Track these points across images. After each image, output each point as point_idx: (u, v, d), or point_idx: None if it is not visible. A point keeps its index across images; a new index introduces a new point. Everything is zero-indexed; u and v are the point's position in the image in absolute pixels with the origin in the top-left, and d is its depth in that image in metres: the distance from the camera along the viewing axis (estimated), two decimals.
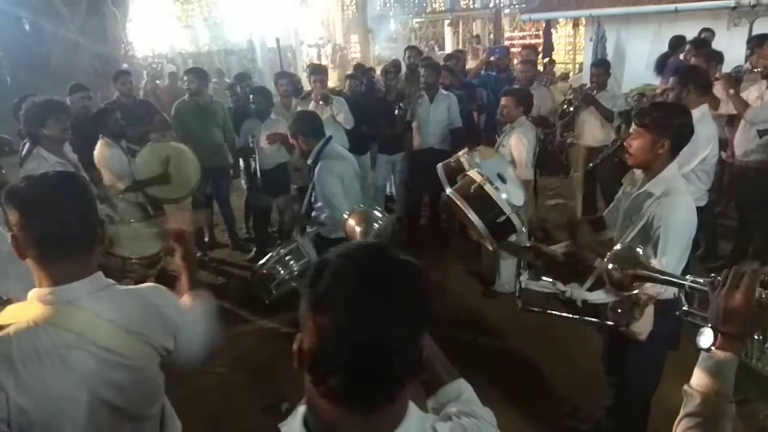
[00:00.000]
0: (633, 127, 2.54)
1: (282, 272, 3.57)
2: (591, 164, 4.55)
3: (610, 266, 1.71)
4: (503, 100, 4.71)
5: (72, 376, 1.45)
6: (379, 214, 1.94)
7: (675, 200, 2.47)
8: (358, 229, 1.90)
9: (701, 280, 1.37)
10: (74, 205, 1.50)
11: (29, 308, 1.48)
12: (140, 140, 5.02)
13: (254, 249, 6.05)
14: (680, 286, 1.47)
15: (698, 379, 1.23)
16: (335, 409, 0.91)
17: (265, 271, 3.57)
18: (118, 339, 1.50)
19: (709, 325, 1.25)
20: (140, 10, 16.80)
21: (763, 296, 1.20)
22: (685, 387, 1.25)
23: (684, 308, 1.47)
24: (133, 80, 6.50)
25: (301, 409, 0.99)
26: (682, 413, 1.24)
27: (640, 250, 1.72)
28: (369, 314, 0.86)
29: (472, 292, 5.07)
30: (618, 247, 1.82)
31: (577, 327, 3.62)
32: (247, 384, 3.92)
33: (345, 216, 1.97)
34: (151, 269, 3.51)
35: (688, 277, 1.42)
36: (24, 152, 4.13)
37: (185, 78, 6.16)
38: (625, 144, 2.62)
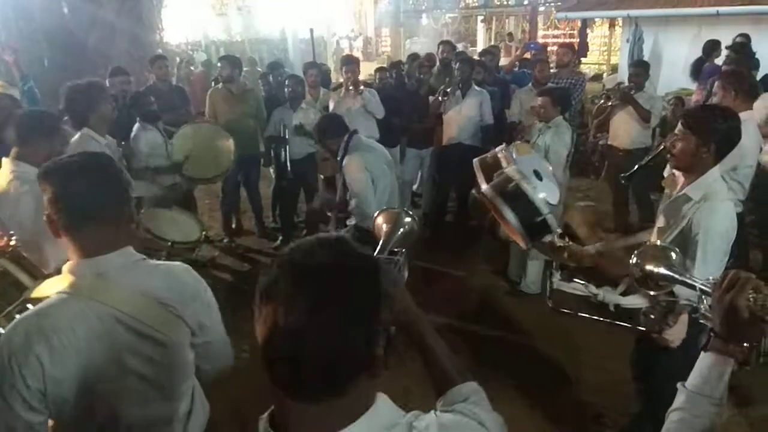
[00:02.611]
0: (678, 128, 2.48)
1: None
2: (630, 171, 4.39)
3: (634, 261, 1.70)
4: (540, 100, 4.63)
5: (103, 347, 1.47)
6: (408, 219, 1.91)
7: (715, 206, 2.40)
8: (384, 227, 1.89)
9: (710, 282, 1.37)
10: (106, 181, 1.55)
11: (63, 281, 1.52)
12: (176, 123, 5.09)
13: (280, 238, 6.09)
14: (692, 287, 1.48)
15: (691, 377, 1.29)
16: (284, 397, 0.93)
17: None
18: (149, 311, 1.53)
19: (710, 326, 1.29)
20: None
21: (757, 303, 1.20)
22: (678, 384, 1.31)
23: (701, 311, 1.48)
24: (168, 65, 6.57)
25: None
26: (671, 407, 1.30)
27: (674, 254, 1.69)
28: (307, 306, 0.87)
29: (497, 291, 5.03)
30: (655, 243, 1.79)
31: (604, 330, 3.57)
32: None
33: (376, 214, 1.97)
34: (189, 254, 3.58)
35: (709, 278, 1.42)
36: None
37: (218, 65, 6.21)
38: (668, 145, 2.56)
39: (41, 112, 3.03)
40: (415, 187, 6.97)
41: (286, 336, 0.87)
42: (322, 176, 6.07)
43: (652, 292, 1.81)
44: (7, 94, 4.80)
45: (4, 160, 2.78)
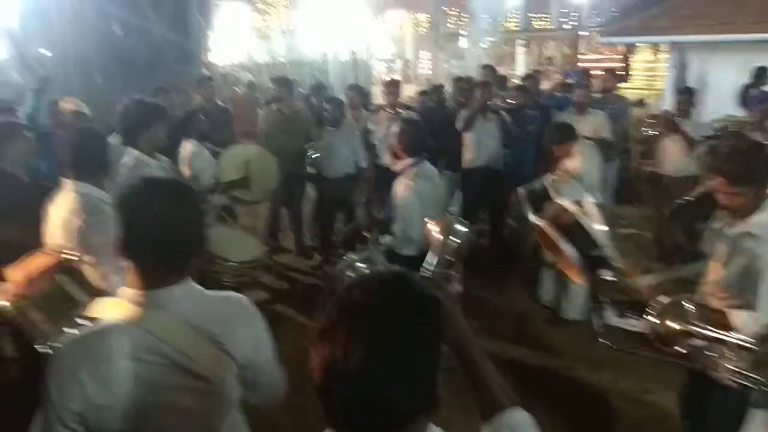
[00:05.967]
0: (713, 175, 2.39)
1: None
2: (684, 200, 4.26)
3: (657, 321, 1.67)
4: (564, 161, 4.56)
5: (148, 379, 1.45)
6: (461, 229, 1.86)
7: None
8: (438, 237, 1.85)
9: (750, 339, 1.31)
10: (183, 220, 1.51)
11: (119, 306, 1.50)
12: (222, 144, 5.17)
13: (318, 257, 6.11)
14: (723, 342, 1.43)
15: None
16: None
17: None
18: (197, 346, 1.50)
19: None
20: (222, 19, 17.43)
21: None
22: None
23: (732, 367, 1.40)
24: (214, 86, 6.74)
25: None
26: None
27: (688, 304, 1.65)
28: (366, 352, 0.84)
29: (536, 318, 4.93)
30: (666, 300, 1.75)
31: (647, 361, 3.45)
32: (310, 391, 3.89)
33: (429, 221, 1.92)
34: (255, 273, 3.48)
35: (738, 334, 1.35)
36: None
37: (270, 85, 6.37)
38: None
39: (93, 134, 2.86)
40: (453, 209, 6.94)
41: (345, 382, 0.85)
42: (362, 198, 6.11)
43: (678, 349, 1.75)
44: (81, 112, 4.99)
45: (67, 182, 2.61)
